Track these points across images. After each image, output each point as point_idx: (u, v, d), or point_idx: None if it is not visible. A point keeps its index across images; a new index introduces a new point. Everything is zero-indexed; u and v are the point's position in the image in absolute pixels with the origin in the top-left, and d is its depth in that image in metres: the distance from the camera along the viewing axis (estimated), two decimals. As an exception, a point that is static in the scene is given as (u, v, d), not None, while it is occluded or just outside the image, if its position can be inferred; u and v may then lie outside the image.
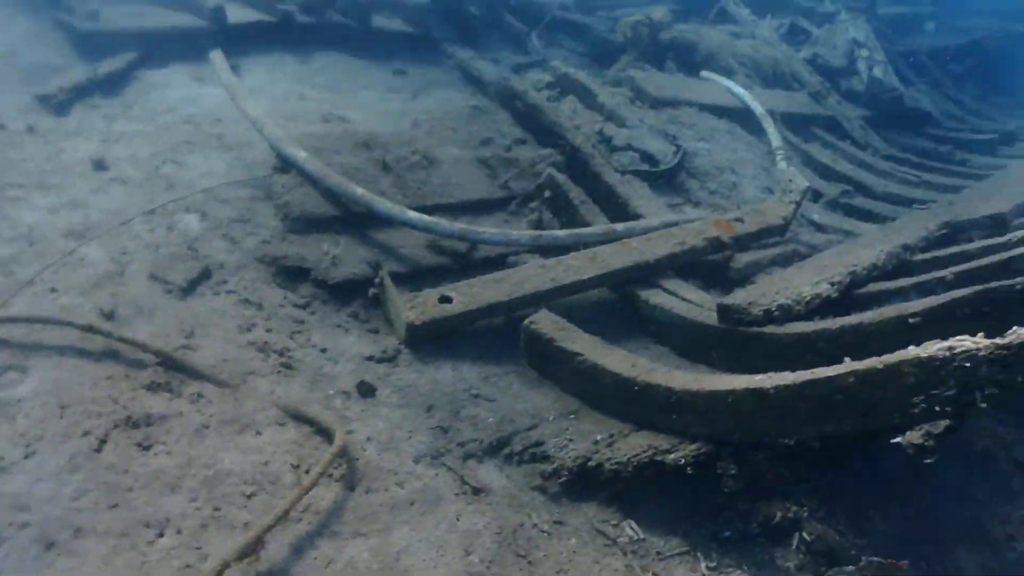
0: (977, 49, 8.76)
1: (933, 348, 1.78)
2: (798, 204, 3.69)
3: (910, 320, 2.43)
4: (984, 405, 1.79)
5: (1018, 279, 2.23)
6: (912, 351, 1.82)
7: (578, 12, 7.19)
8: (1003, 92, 9.23)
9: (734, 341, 2.93)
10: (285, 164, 3.59)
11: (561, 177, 3.83)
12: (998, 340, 1.71)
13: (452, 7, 6.23)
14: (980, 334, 1.76)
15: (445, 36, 6.06)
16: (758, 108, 5.22)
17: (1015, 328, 1.71)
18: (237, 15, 5.22)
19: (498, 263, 3.51)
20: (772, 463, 2.35)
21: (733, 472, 2.36)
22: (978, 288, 2.29)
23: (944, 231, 3.75)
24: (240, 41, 5.07)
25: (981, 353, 1.72)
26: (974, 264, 2.86)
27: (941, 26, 10.20)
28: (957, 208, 4.04)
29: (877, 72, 6.44)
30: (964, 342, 1.75)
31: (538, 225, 3.82)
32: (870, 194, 5.12)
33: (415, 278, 3.35)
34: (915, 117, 6.65)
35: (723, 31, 6.79)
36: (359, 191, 3.40)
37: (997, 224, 3.72)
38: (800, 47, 6.86)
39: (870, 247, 3.45)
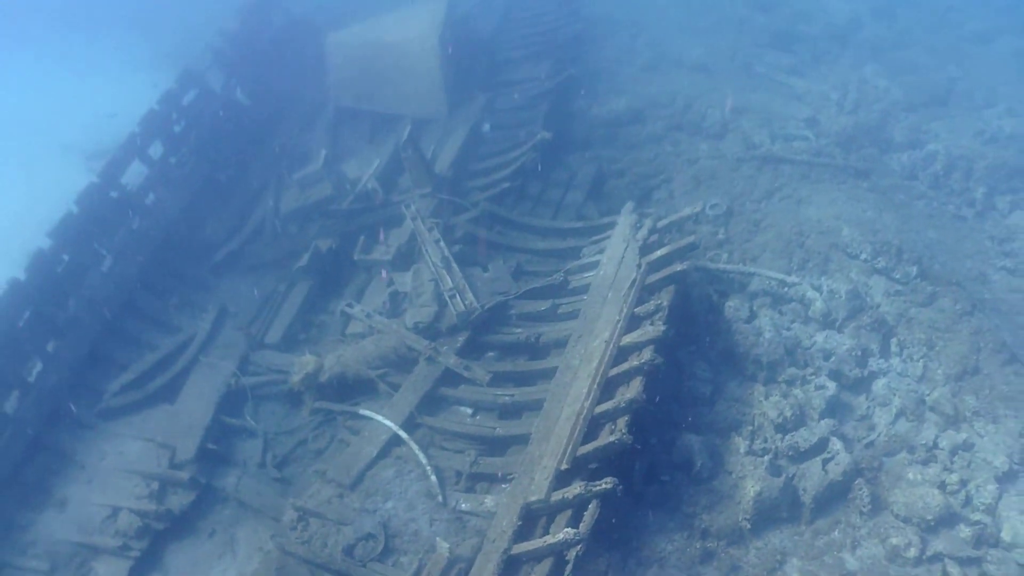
0: (518, 175, 13.71)
1: None
2: (449, 551, 8.99)
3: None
4: None
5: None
6: None
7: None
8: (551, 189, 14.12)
9: None
10: None
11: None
12: None
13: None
14: None
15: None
16: (402, 433, 10.24)
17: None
18: None
19: None
20: None
21: None
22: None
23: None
24: None
25: None
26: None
27: (494, 124, 15.39)
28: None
29: (458, 301, 11.47)
30: None
31: None
32: (492, 446, 10.11)
33: None
34: (497, 309, 11.68)
35: (358, 335, 11.85)
36: None
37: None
38: (402, 312, 11.67)
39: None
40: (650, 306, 10.47)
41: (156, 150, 14.33)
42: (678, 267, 10.73)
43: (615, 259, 11.57)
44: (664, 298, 10.50)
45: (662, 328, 9.87)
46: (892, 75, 18.00)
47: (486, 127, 15.28)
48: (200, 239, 14.10)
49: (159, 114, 14.18)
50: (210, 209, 14.52)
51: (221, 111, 15.45)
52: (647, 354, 9.53)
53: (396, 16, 16.43)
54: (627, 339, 10.08)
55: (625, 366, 9.70)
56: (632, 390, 9.33)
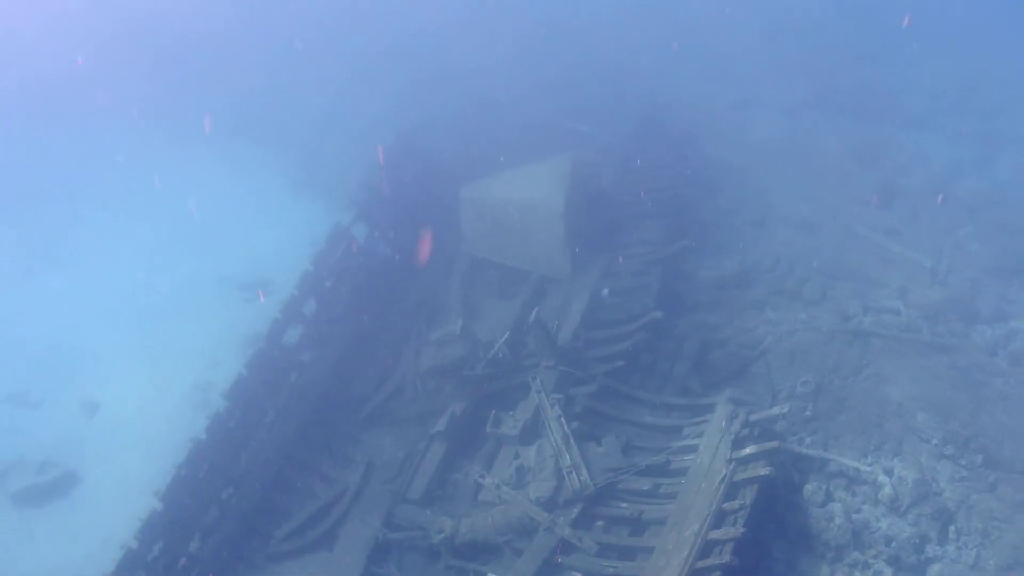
0: (629, 353, 16.60)
1: None
2: None
3: None
4: None
5: None
6: None
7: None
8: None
9: None
10: None
11: None
12: None
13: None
14: None
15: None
16: (540, 594, 13.66)
17: None
18: None
19: None
20: None
21: None
22: None
23: None
24: None
25: None
26: None
27: (612, 289, 18.23)
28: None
29: (574, 478, 14.81)
30: None
31: None
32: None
33: None
34: (609, 485, 15.03)
35: (487, 503, 15.20)
36: None
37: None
38: (526, 484, 15.04)
39: None
40: (735, 504, 13.32)
41: (309, 307, 17.52)
42: (762, 471, 13.50)
43: (710, 448, 14.37)
44: (748, 496, 13.30)
45: (741, 530, 12.78)
46: (985, 237, 20.39)
47: (605, 292, 17.96)
48: (349, 393, 17.21)
49: (313, 275, 17.52)
50: (357, 363, 17.68)
51: (366, 265, 18.58)
52: (727, 554, 12.58)
53: (525, 172, 19.10)
54: (713, 534, 12.95)
55: (709, 562, 12.71)
56: (712, 585, 12.38)
